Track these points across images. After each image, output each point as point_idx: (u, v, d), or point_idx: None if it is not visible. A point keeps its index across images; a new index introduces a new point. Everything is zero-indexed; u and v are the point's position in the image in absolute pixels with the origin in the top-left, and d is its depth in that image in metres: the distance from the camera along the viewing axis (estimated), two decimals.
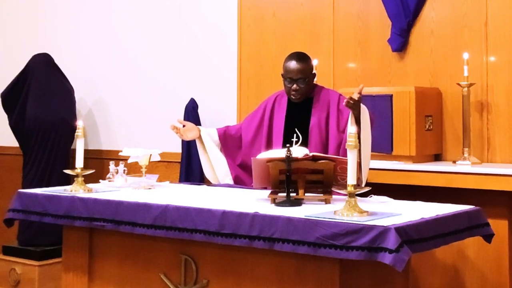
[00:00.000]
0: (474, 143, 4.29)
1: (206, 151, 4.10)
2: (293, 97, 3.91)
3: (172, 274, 3.35)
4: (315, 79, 4.03)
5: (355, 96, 3.51)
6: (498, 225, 3.79)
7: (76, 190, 3.68)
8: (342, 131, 3.78)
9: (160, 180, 4.09)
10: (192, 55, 5.61)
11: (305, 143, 3.68)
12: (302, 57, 3.92)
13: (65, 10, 6.39)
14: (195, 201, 3.29)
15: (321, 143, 3.83)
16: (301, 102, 3.93)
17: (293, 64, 3.87)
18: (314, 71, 3.99)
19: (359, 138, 3.15)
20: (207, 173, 4.13)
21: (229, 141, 4.14)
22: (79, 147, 3.74)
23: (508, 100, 4.26)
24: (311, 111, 3.90)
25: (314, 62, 4.19)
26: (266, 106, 4.11)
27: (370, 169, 4.16)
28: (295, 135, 3.61)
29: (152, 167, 4.95)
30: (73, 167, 3.82)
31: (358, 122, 3.52)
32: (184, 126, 4.11)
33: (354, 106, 3.52)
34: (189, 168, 5.29)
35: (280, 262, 2.99)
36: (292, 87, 3.87)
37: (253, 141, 4.09)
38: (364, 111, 3.58)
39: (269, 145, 3.97)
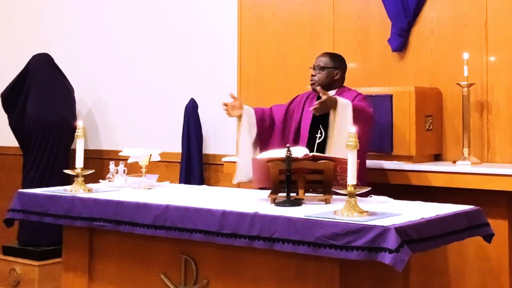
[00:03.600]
0: (474, 143, 4.28)
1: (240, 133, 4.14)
2: (311, 84, 4.08)
3: (172, 274, 3.35)
4: (336, 77, 4.08)
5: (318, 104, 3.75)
6: (498, 225, 3.79)
7: (76, 190, 3.68)
8: None
9: (160, 180, 4.09)
10: (192, 55, 5.61)
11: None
12: (330, 53, 4.26)
13: (65, 10, 6.39)
14: (195, 201, 3.29)
15: None
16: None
17: (319, 55, 4.17)
18: (338, 70, 4.09)
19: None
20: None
21: (265, 122, 4.17)
22: (79, 147, 3.74)
23: (508, 100, 4.25)
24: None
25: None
26: (296, 98, 4.24)
27: (370, 169, 4.17)
28: (319, 131, 3.93)
29: (152, 167, 4.94)
30: (73, 167, 3.81)
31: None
32: (235, 100, 4.10)
33: (319, 111, 3.78)
34: (189, 168, 5.29)
35: (280, 262, 2.99)
36: (311, 73, 4.08)
37: (284, 122, 4.19)
38: (343, 109, 3.74)
39: (296, 138, 4.09)
